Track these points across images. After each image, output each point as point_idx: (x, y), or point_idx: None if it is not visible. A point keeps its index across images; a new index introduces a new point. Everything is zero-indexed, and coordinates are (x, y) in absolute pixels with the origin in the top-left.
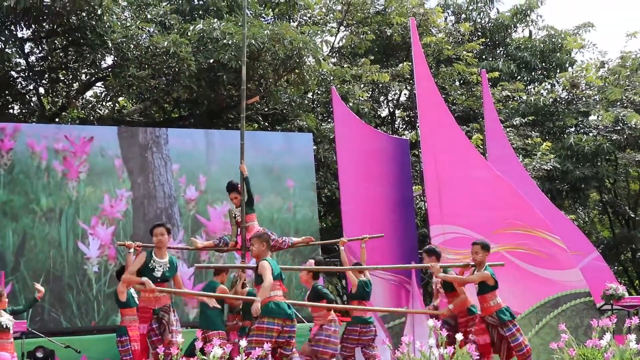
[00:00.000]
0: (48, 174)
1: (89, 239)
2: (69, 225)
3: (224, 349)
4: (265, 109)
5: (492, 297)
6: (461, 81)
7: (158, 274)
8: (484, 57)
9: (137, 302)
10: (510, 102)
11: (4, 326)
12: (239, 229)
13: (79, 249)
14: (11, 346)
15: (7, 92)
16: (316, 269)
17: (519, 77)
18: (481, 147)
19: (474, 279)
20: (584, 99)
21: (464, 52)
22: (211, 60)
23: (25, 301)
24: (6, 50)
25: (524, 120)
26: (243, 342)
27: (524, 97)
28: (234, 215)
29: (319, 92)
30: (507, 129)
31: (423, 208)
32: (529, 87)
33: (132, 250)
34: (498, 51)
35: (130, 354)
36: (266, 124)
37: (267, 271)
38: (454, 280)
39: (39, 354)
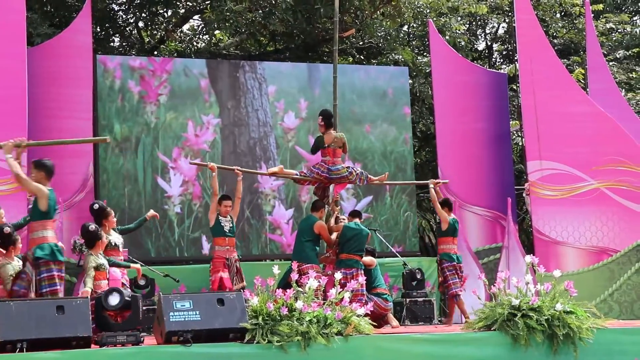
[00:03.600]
0: (122, 96)
1: (170, 174)
2: (146, 157)
3: (319, 282)
4: (361, 43)
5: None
6: (562, 13)
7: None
8: None
9: None
10: (613, 34)
11: (113, 244)
12: None
13: (158, 185)
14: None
15: (107, 25)
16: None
17: (624, 8)
18: (582, 81)
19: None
20: None
21: None
22: None
23: (136, 220)
24: None
25: (627, 53)
26: (338, 275)
27: (629, 29)
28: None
29: (415, 25)
30: (610, 63)
31: (520, 143)
32: (634, 19)
33: (214, 173)
34: None
35: None
36: (361, 57)
37: None
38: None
39: (141, 282)
